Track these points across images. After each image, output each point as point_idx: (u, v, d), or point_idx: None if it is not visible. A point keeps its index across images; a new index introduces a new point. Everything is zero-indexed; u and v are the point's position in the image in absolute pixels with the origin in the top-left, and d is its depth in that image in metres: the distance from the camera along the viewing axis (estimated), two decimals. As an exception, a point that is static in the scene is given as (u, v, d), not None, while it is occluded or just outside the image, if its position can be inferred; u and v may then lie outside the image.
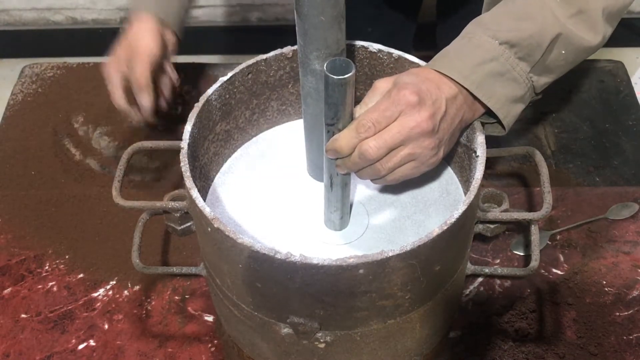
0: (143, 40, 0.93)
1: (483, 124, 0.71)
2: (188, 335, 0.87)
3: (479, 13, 0.75)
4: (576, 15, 0.69)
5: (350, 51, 0.76)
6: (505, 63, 0.68)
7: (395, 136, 0.63)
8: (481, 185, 0.66)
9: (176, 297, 0.90)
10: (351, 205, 0.74)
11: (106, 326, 0.88)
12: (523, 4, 0.70)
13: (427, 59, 0.72)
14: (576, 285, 0.89)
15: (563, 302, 0.88)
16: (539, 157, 0.72)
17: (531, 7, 0.69)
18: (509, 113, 0.70)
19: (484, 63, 0.67)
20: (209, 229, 0.63)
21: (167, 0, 0.98)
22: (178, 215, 0.71)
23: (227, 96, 0.75)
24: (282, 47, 0.77)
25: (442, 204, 0.75)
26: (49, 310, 0.89)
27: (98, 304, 0.90)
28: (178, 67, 1.16)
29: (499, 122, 0.71)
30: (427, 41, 1.61)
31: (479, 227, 0.71)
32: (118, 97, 0.93)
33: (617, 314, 0.87)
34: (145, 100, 0.92)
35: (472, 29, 0.70)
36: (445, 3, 1.27)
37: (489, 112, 0.70)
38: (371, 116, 0.63)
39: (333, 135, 0.64)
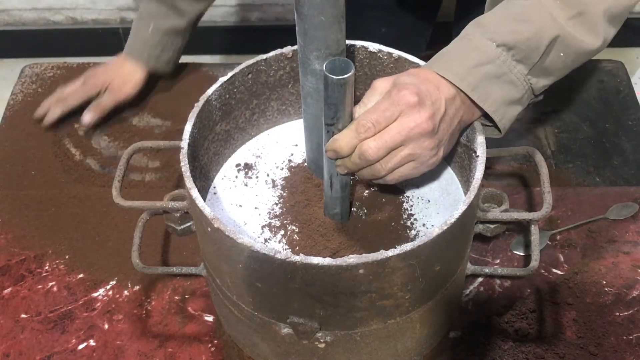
0: (126, 87, 1.09)
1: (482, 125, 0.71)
2: (188, 335, 0.87)
3: None
4: (576, 17, 0.69)
5: (350, 51, 0.76)
6: (502, 65, 0.68)
7: (395, 137, 0.63)
8: (481, 185, 0.66)
9: (176, 297, 0.90)
10: (351, 204, 0.74)
11: (106, 326, 0.88)
12: (522, 6, 0.69)
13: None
14: (576, 285, 0.89)
15: (563, 302, 0.88)
16: (539, 157, 0.72)
17: (530, 9, 0.69)
18: (505, 116, 0.69)
19: (480, 65, 0.67)
20: (209, 229, 0.63)
21: (162, 50, 1.10)
22: (178, 215, 0.71)
23: (227, 96, 0.76)
24: (282, 47, 0.77)
25: (442, 204, 0.75)
26: (49, 310, 0.89)
27: (98, 304, 0.90)
28: (178, 66, 1.17)
29: (495, 124, 0.70)
30: (442, 41, 1.60)
31: (479, 227, 0.71)
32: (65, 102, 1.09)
33: (617, 314, 0.87)
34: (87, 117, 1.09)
35: (471, 30, 0.70)
36: (464, 3, 1.27)
37: (485, 115, 0.70)
38: (371, 116, 0.63)
39: (333, 135, 0.64)
